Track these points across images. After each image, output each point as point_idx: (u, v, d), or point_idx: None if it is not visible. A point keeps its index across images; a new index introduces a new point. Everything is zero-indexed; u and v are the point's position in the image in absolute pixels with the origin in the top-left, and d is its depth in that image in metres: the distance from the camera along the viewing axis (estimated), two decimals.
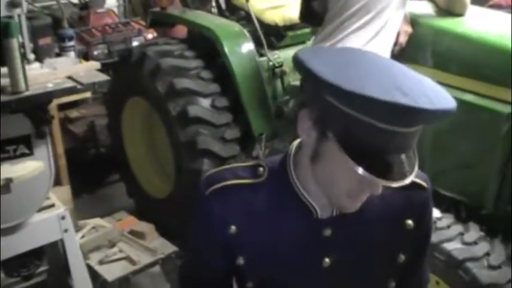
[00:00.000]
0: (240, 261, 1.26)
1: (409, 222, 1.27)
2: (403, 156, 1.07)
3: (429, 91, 1.04)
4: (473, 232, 2.32)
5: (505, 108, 2.35)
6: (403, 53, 2.71)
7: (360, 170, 1.03)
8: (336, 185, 1.13)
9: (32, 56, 2.66)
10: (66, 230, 2.68)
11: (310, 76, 1.04)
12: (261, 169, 1.25)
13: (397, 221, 1.27)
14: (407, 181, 1.06)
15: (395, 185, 1.06)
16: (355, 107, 1.01)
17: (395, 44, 2.68)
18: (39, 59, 2.74)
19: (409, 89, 1.00)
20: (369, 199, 1.20)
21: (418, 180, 1.28)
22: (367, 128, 1.01)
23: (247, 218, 1.23)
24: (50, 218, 2.64)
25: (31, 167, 2.38)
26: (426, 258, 1.43)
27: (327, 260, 1.24)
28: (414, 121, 1.02)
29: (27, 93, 2.30)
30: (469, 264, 2.21)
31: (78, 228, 2.98)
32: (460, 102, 2.54)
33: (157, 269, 2.97)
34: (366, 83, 1.00)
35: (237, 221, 1.23)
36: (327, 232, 1.23)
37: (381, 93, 0.98)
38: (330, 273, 1.26)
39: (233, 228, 1.23)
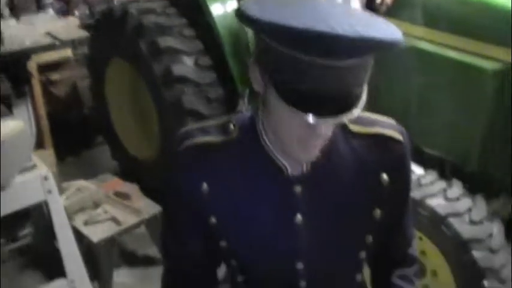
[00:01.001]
0: (213, 220, 1.25)
1: (384, 177, 1.25)
2: (343, 92, 1.02)
3: (362, 23, 0.99)
4: (456, 188, 2.34)
5: (491, 66, 2.35)
6: (390, 11, 2.69)
7: (294, 110, 1.01)
8: (284, 133, 1.12)
9: (7, 12, 2.59)
10: (49, 191, 2.66)
11: (243, 18, 1.01)
12: (231, 126, 1.24)
13: (372, 176, 1.25)
14: (346, 118, 1.03)
15: (333, 121, 1.04)
16: (278, 40, 0.98)
17: (381, 3, 2.65)
18: (15, 14, 2.67)
19: (335, 21, 0.97)
20: (341, 154, 1.21)
21: (392, 133, 1.26)
22: (296, 63, 0.99)
23: (218, 176, 1.22)
24: (33, 179, 2.62)
25: (11, 127, 2.35)
26: (408, 215, 1.41)
27: (299, 216, 1.23)
28: (337, 51, 0.97)
29: (2, 50, 2.26)
30: (452, 220, 2.24)
31: (62, 190, 2.96)
32: (447, 60, 2.57)
33: (142, 229, 2.98)
34: (290, 15, 0.97)
35: (208, 179, 1.22)
36: (297, 189, 1.22)
37: (300, 23, 0.95)
38: (304, 230, 1.24)
39: (205, 186, 1.22)
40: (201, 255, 1.34)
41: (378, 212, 1.27)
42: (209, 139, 1.23)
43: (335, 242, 1.29)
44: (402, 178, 1.30)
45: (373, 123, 1.27)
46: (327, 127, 1.09)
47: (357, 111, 1.03)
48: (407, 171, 1.32)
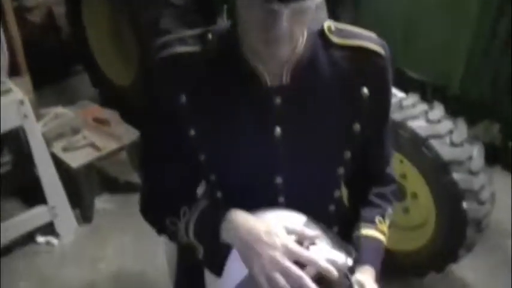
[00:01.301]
0: (192, 132, 1.23)
1: (365, 90, 1.23)
2: None
3: None
4: (438, 111, 2.33)
5: None
6: None
7: None
8: (246, 26, 1.11)
9: None
10: (25, 116, 2.61)
11: None
12: (209, 36, 1.21)
13: (352, 90, 1.24)
14: (296, 4, 1.03)
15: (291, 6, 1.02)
16: None
17: None
18: None
19: None
20: (322, 67, 1.20)
21: (374, 47, 1.24)
22: None
23: (197, 87, 1.20)
24: (8, 103, 2.57)
25: None
26: (387, 132, 1.40)
27: (278, 129, 1.22)
28: None
29: None
30: (432, 142, 2.24)
31: (39, 117, 2.90)
32: None
33: (123, 155, 2.96)
34: None
35: (187, 90, 1.20)
36: (277, 101, 1.20)
37: None
38: (283, 143, 1.23)
39: (183, 97, 1.20)
40: (180, 170, 1.32)
41: (357, 127, 1.26)
42: (187, 49, 1.20)
43: (314, 156, 1.28)
44: (382, 92, 1.29)
45: (355, 36, 1.25)
46: (288, 20, 1.05)
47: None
48: (388, 86, 1.30)
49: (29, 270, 2.69)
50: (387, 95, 1.32)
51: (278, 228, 1.14)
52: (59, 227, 2.85)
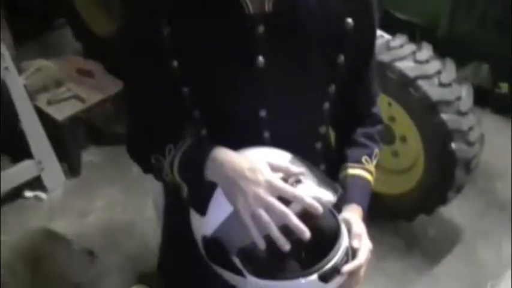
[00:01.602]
0: (174, 64, 1.19)
1: (349, 20, 1.21)
2: None
3: None
4: (426, 51, 2.30)
5: None
6: None
7: None
8: None
9: None
10: (6, 68, 2.56)
11: None
12: None
13: (336, 21, 1.21)
14: None
15: None
16: None
17: None
18: None
19: None
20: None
21: None
22: None
23: (179, 16, 1.16)
24: None
25: None
26: (372, 69, 1.37)
27: (260, 59, 1.17)
28: None
29: None
30: (420, 82, 2.22)
31: (21, 71, 2.85)
32: None
33: (108, 107, 2.91)
34: None
35: (169, 19, 1.16)
36: (259, 29, 1.16)
37: None
38: (266, 74, 1.20)
39: (165, 28, 1.16)
40: (165, 106, 1.28)
41: (341, 58, 1.23)
42: None
43: (298, 89, 1.24)
44: (367, 25, 1.25)
45: None
46: None
47: None
48: (372, 19, 1.27)
49: (18, 224, 2.67)
50: (372, 28, 1.28)
51: (262, 165, 1.12)
52: (46, 181, 2.83)
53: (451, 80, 2.26)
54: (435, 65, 2.26)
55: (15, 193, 2.80)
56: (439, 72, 2.25)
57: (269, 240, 1.09)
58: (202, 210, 1.18)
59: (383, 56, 2.23)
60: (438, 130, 2.23)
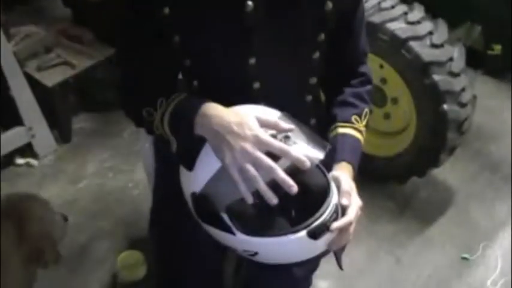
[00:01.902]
0: (166, 11, 1.23)
1: None
2: None
3: None
4: (417, 12, 2.28)
5: None
6: None
7: None
8: None
9: None
10: None
11: None
12: None
13: None
14: None
15: None
16: None
17: None
18: None
19: None
20: None
21: None
22: None
23: None
24: None
25: None
26: (360, 26, 1.41)
27: (249, 3, 1.21)
28: None
29: None
30: (412, 43, 2.20)
31: (10, 37, 2.81)
32: None
33: (99, 73, 2.89)
34: None
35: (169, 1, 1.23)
36: None
37: None
38: (255, 21, 1.23)
39: (166, 10, 1.23)
40: (157, 58, 1.31)
41: (329, 5, 1.27)
42: None
43: (287, 36, 1.28)
44: None
45: None
46: None
47: None
48: None
49: (10, 192, 2.67)
50: None
51: (251, 119, 1.12)
52: (37, 147, 2.81)
53: (443, 41, 2.24)
54: (427, 26, 2.24)
55: (7, 161, 2.78)
56: (430, 33, 2.23)
57: (258, 196, 1.10)
58: (191, 165, 1.19)
59: (374, 18, 2.21)
60: (430, 91, 2.22)
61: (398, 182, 2.57)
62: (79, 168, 2.77)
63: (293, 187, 1.06)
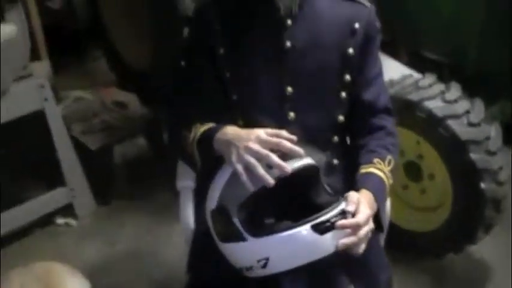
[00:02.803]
0: (221, 51, 1.54)
1: (356, 25, 1.56)
2: None
3: None
4: (455, 91, 2.31)
5: None
6: None
7: None
8: None
9: None
10: (46, 99, 2.65)
11: None
12: None
13: (346, 23, 1.56)
14: None
15: None
16: None
17: None
18: None
19: None
20: (322, 6, 1.56)
21: (361, 1, 1.60)
22: None
23: (228, 16, 1.55)
24: (29, 87, 2.61)
25: (3, 31, 2.30)
26: (379, 80, 1.64)
27: (288, 43, 1.52)
28: None
29: None
30: (449, 122, 2.23)
31: (59, 100, 2.94)
32: None
33: (141, 139, 2.98)
34: None
35: (220, 18, 1.55)
36: (288, 22, 1.52)
37: None
38: (292, 56, 1.52)
39: (217, 26, 1.54)
40: (207, 89, 1.58)
41: (350, 51, 1.55)
42: None
43: (318, 72, 1.54)
44: (370, 31, 1.59)
45: None
46: None
47: None
48: (375, 27, 1.61)
49: (48, 251, 2.73)
50: (375, 35, 1.61)
51: (257, 130, 1.36)
52: (77, 208, 2.89)
53: (480, 119, 2.26)
54: (464, 105, 2.27)
55: (47, 219, 2.86)
56: (468, 112, 2.26)
57: (264, 198, 1.29)
58: (209, 180, 1.41)
59: (412, 96, 2.26)
60: (467, 169, 2.23)
61: (435, 257, 2.55)
62: (117, 230, 2.83)
63: (286, 168, 1.26)
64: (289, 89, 1.52)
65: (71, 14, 4.08)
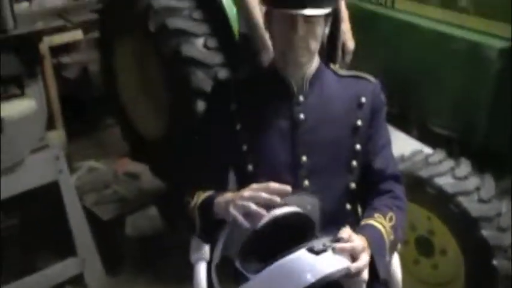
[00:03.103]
0: (238, 127, 1.65)
1: (363, 99, 1.68)
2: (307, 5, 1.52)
3: None
4: (465, 167, 2.34)
5: (497, 44, 2.34)
6: None
7: (280, 9, 1.56)
8: (277, 38, 1.64)
9: None
10: (60, 171, 2.69)
11: None
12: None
13: (353, 98, 1.68)
14: (308, 12, 1.52)
15: (297, 11, 1.52)
16: None
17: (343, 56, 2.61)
18: None
19: None
20: (330, 81, 1.71)
21: (366, 76, 1.74)
22: None
23: (245, 95, 1.68)
24: (45, 159, 2.66)
25: (22, 107, 2.37)
26: (388, 150, 1.74)
27: (301, 116, 1.64)
28: None
29: (15, 32, 2.28)
30: (460, 198, 2.24)
31: (73, 171, 2.99)
32: (454, 38, 2.57)
33: (153, 210, 3.00)
34: None
35: (236, 101, 1.66)
36: (300, 98, 1.66)
37: None
38: (305, 128, 1.64)
39: (234, 106, 1.66)
40: (223, 162, 1.69)
41: (359, 123, 1.67)
42: (237, 76, 1.93)
43: (330, 142, 1.65)
44: (377, 106, 1.70)
45: (355, 73, 1.78)
46: (304, 29, 1.56)
47: (316, 11, 1.54)
48: (380, 102, 1.73)
49: None
50: (381, 108, 1.72)
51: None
52: (88, 278, 2.88)
53: (491, 196, 2.28)
54: (474, 181, 2.29)
55: None
56: (478, 188, 2.27)
57: (260, 243, 1.39)
58: (208, 239, 1.61)
59: (422, 172, 2.29)
60: (479, 246, 2.23)
61: None
62: None
63: (276, 198, 1.41)
64: (304, 158, 1.62)
65: (86, 84, 4.18)
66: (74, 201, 2.80)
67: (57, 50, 3.93)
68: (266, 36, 2.28)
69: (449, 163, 2.34)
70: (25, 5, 2.59)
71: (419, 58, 2.64)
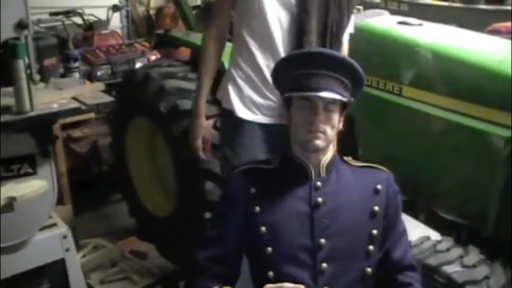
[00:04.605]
0: (257, 209, 1.68)
1: (379, 186, 1.74)
2: (324, 90, 1.63)
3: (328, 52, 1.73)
4: (473, 255, 2.32)
5: (504, 133, 2.38)
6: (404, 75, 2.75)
7: (298, 93, 1.66)
8: (296, 126, 1.70)
9: (37, 77, 2.69)
10: (67, 249, 2.69)
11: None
12: (273, 159, 1.81)
13: (369, 185, 1.74)
14: (324, 94, 1.62)
15: (312, 94, 1.63)
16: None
17: None
18: (44, 79, 2.77)
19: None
20: (345, 170, 1.77)
21: (379, 166, 1.81)
22: (293, 76, 1.69)
23: (263, 181, 1.73)
24: (52, 237, 2.67)
25: (35, 186, 2.40)
26: (403, 237, 1.79)
27: (319, 199, 1.68)
28: (310, 63, 1.66)
29: (32, 114, 2.34)
30: (469, 287, 2.22)
31: (79, 248, 2.99)
32: (461, 126, 2.61)
33: None
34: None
35: (255, 185, 1.71)
36: (318, 183, 1.71)
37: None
38: (323, 211, 1.67)
39: (253, 190, 1.71)
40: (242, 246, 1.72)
41: (376, 209, 1.71)
42: (258, 165, 1.80)
43: (348, 225, 1.68)
44: (392, 191, 1.77)
45: (368, 164, 1.84)
46: (323, 115, 1.65)
47: (332, 95, 1.64)
48: (395, 190, 1.78)
49: None
50: (396, 196, 1.78)
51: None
52: None
53: (501, 285, 2.25)
54: (483, 270, 2.26)
55: None
56: (487, 278, 2.25)
57: None
58: None
59: (430, 260, 2.27)
60: None
61: None
62: None
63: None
64: (322, 240, 1.64)
65: (95, 158, 4.23)
66: (79, 280, 2.79)
67: (67, 124, 4.01)
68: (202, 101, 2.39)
69: (457, 251, 2.32)
70: (41, 86, 2.66)
71: (427, 145, 2.68)
